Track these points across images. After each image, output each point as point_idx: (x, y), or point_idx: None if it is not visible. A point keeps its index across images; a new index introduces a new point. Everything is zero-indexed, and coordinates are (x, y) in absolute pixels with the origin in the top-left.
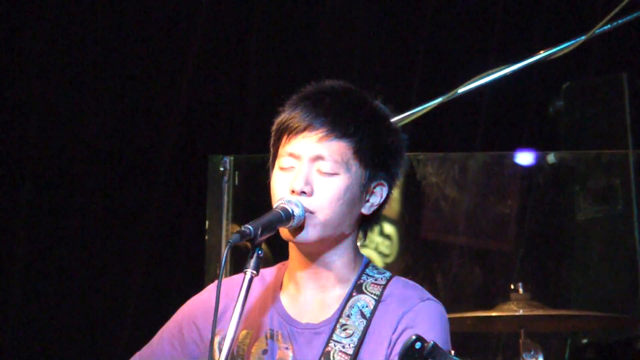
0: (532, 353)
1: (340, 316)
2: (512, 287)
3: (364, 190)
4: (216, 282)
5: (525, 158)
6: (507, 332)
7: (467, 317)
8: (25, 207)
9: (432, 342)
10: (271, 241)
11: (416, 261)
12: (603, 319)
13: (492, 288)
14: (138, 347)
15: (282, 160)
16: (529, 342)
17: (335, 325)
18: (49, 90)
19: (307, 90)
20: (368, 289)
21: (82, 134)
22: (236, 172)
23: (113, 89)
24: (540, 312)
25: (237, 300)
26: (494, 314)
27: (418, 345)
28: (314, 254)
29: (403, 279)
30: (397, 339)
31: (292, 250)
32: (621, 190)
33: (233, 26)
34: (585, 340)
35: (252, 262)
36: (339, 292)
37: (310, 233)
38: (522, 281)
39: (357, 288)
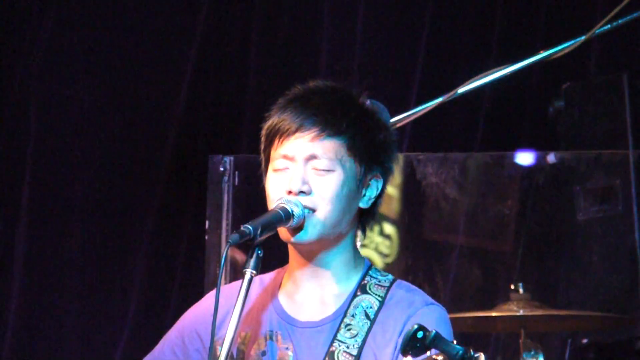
0: (532, 353)
1: (344, 315)
2: (512, 287)
3: (360, 184)
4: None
5: (525, 158)
6: (507, 332)
7: (467, 317)
8: (25, 208)
9: (434, 331)
10: (270, 242)
11: (416, 261)
12: (603, 319)
13: (492, 288)
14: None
15: (276, 162)
16: (529, 342)
17: (340, 325)
18: (50, 90)
19: (294, 92)
20: (372, 289)
21: (82, 133)
22: (236, 172)
23: (113, 89)
24: (540, 312)
25: (236, 300)
26: (494, 314)
27: (420, 334)
28: (313, 253)
29: (406, 282)
30: None
31: (291, 250)
32: (621, 190)
33: (233, 26)
34: (585, 340)
35: (252, 262)
36: (338, 290)
37: (309, 233)
38: (522, 281)
39: (362, 288)
